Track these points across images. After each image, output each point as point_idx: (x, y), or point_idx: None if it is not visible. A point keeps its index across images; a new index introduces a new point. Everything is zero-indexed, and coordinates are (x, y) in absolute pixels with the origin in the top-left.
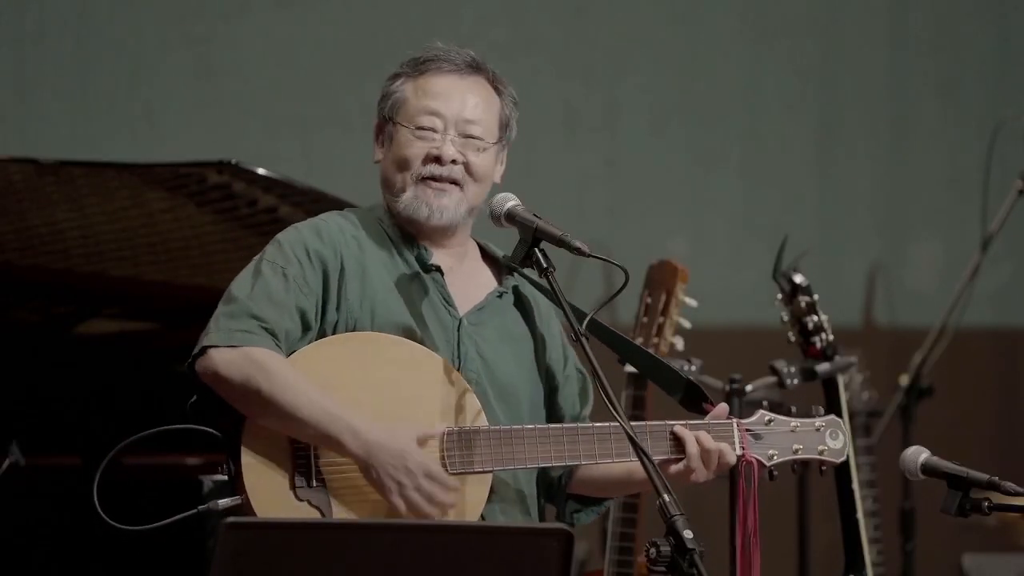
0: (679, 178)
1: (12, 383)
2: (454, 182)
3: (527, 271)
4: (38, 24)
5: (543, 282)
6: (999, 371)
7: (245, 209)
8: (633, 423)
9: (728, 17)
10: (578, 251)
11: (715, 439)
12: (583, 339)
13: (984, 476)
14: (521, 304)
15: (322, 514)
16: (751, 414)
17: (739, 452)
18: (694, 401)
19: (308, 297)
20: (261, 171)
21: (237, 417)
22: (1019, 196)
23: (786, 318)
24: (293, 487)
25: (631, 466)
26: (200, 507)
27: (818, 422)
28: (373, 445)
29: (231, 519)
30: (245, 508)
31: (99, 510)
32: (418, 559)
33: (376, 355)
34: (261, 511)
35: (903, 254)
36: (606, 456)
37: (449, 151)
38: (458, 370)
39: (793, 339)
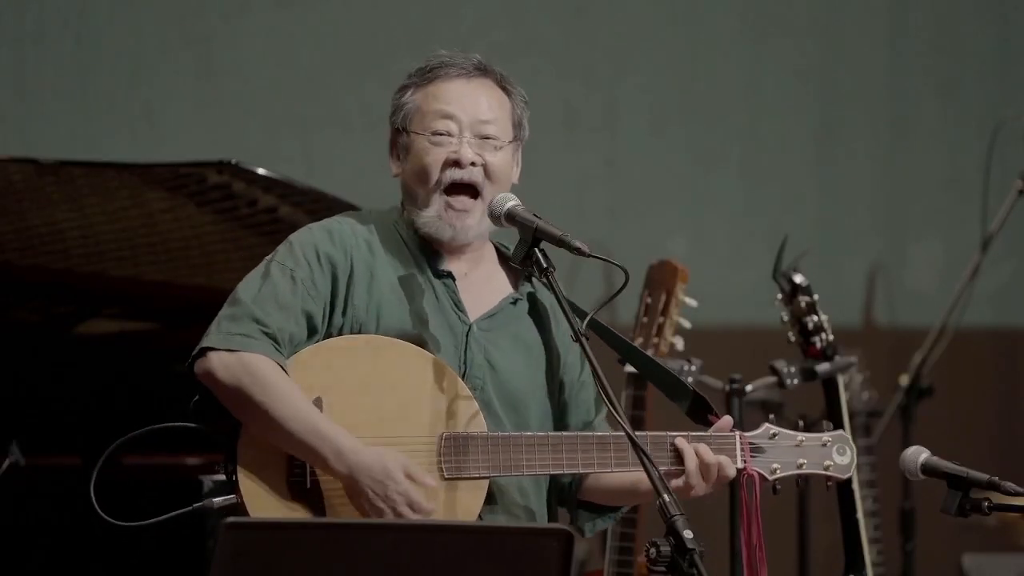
0: (679, 178)
1: (12, 383)
2: (474, 186)
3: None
4: (38, 24)
5: (543, 282)
6: (999, 371)
7: (245, 209)
8: (636, 433)
9: (728, 17)
10: (578, 251)
11: (717, 451)
12: (583, 339)
13: (984, 476)
14: (537, 311)
15: (315, 516)
16: (754, 417)
17: (740, 465)
18: (699, 412)
19: (315, 301)
20: (261, 171)
21: (235, 418)
22: (1019, 196)
23: (786, 318)
24: (288, 489)
25: (636, 477)
26: (195, 504)
27: (825, 437)
28: (356, 465)
29: (231, 519)
30: (240, 508)
31: (95, 504)
32: (418, 559)
33: (375, 359)
34: (255, 512)
35: (903, 254)
36: (605, 465)
37: (467, 154)
38: (464, 376)
39: (793, 339)
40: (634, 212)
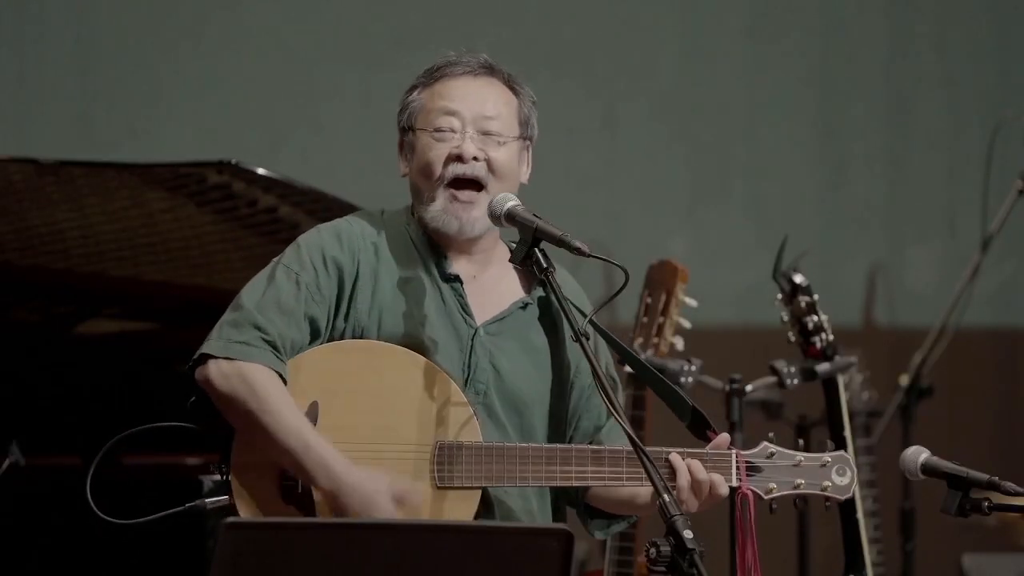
0: (679, 178)
1: (12, 383)
2: (477, 180)
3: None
4: (38, 24)
5: (543, 280)
6: (999, 371)
7: (245, 209)
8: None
9: (729, 17)
10: (578, 251)
11: (712, 469)
12: (582, 339)
13: (984, 476)
14: (549, 315)
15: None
16: (754, 417)
17: (735, 484)
18: (699, 427)
19: (319, 305)
20: (261, 171)
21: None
22: (1019, 196)
23: (786, 318)
24: (280, 492)
25: (632, 491)
26: (187, 504)
27: (825, 457)
28: (343, 485)
29: (231, 519)
30: (232, 509)
31: (90, 502)
32: (418, 559)
33: (373, 364)
34: (246, 513)
35: (903, 254)
36: (599, 479)
37: (469, 148)
38: (467, 381)
39: (793, 339)
40: (634, 212)
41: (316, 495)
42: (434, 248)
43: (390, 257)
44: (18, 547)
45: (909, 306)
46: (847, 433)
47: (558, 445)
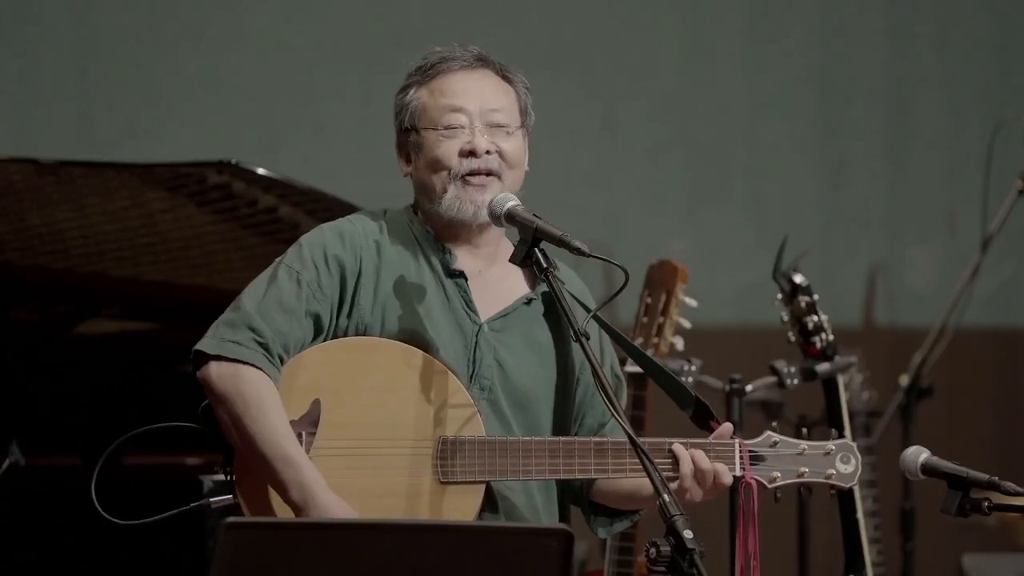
0: (679, 178)
1: (12, 383)
2: (492, 173)
3: (561, 276)
4: (38, 24)
5: (543, 280)
6: (999, 371)
7: (245, 209)
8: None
9: (729, 17)
10: (578, 251)
11: (715, 459)
12: (582, 339)
13: (984, 476)
14: (553, 311)
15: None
16: (754, 417)
17: (739, 473)
18: (702, 418)
19: (322, 303)
20: (261, 171)
21: None
22: (1019, 196)
23: (786, 318)
24: None
25: (637, 482)
26: (192, 504)
27: (829, 446)
28: (312, 503)
29: (231, 519)
30: (237, 508)
31: (95, 502)
32: (418, 559)
33: (375, 361)
34: (251, 512)
35: (903, 254)
36: (602, 471)
37: (482, 143)
38: (472, 376)
39: (793, 339)
40: (634, 212)
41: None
42: (438, 244)
43: (393, 254)
44: (18, 547)
45: (909, 306)
46: (847, 433)
47: (561, 438)
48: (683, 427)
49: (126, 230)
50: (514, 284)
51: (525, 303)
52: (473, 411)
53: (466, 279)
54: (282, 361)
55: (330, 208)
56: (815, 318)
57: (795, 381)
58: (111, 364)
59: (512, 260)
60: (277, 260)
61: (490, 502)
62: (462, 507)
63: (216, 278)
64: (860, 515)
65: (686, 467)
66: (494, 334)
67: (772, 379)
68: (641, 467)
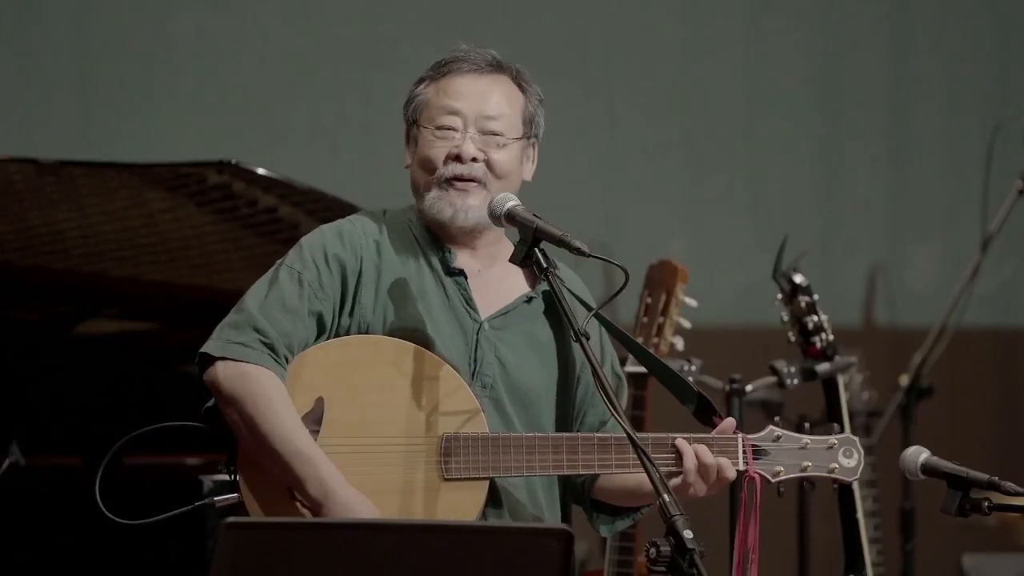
0: (679, 178)
1: (12, 383)
2: (476, 181)
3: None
4: (38, 24)
5: (543, 280)
6: (999, 371)
7: (245, 209)
8: (638, 435)
9: (729, 17)
10: (578, 251)
11: (718, 453)
12: (582, 339)
13: (984, 476)
14: (554, 309)
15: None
16: (754, 417)
17: (742, 468)
18: (705, 413)
19: (324, 302)
20: (261, 171)
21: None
22: (1019, 196)
23: (786, 318)
24: (287, 490)
25: (640, 478)
26: (197, 503)
27: (832, 440)
28: (332, 497)
29: (231, 519)
30: (241, 507)
31: (99, 501)
32: (418, 559)
33: (378, 359)
34: (255, 512)
35: (903, 254)
36: (606, 466)
37: (469, 149)
38: (474, 375)
39: (793, 339)
40: (634, 212)
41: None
42: (437, 243)
43: (393, 253)
44: (18, 547)
45: (909, 306)
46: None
47: (564, 434)
48: (683, 427)
49: (126, 230)
50: (514, 283)
51: (526, 301)
52: (476, 408)
53: (466, 277)
54: (287, 361)
55: (330, 208)
56: (815, 318)
57: (795, 381)
58: (111, 364)
59: (512, 260)
60: (278, 262)
61: (494, 499)
62: (466, 504)
63: (216, 278)
64: (860, 515)
65: (690, 462)
66: (495, 332)
67: (772, 379)
68: (646, 472)
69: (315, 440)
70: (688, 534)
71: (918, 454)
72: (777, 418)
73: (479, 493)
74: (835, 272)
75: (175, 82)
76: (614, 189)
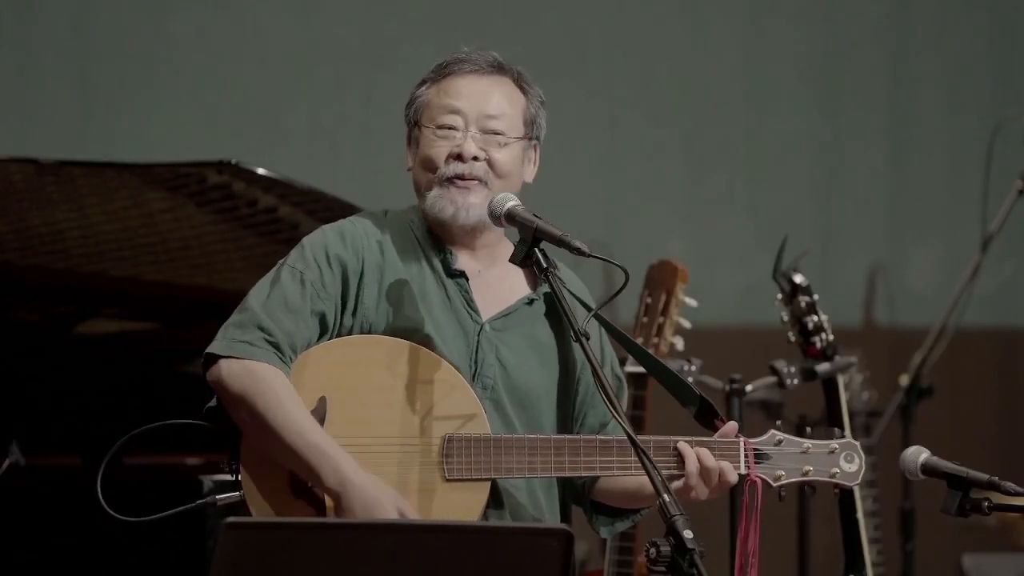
0: (679, 178)
1: (12, 383)
2: (478, 179)
3: (563, 276)
4: (38, 24)
5: (543, 280)
6: (999, 371)
7: (245, 209)
8: (639, 436)
9: (729, 16)
10: (578, 251)
11: (720, 457)
12: (582, 339)
13: (984, 476)
14: (554, 310)
15: (316, 516)
16: (754, 417)
17: (744, 471)
18: (706, 416)
19: (326, 302)
20: (261, 171)
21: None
22: (1019, 196)
23: (786, 318)
24: (291, 488)
25: (641, 480)
26: (198, 500)
27: (833, 444)
28: (351, 485)
29: (231, 519)
30: (242, 506)
31: (100, 499)
32: (418, 559)
33: (381, 359)
34: (256, 511)
35: (903, 254)
36: (608, 469)
37: (470, 148)
38: (474, 376)
39: (793, 339)
40: (634, 212)
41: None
42: (438, 244)
43: (395, 254)
44: (18, 547)
45: (909, 306)
46: (847, 433)
47: (566, 436)
48: (683, 427)
49: (126, 230)
50: (515, 284)
51: (527, 303)
52: (478, 409)
53: (467, 278)
54: (291, 360)
55: (330, 208)
56: (815, 318)
57: (795, 381)
58: (111, 364)
59: (512, 260)
60: (280, 262)
61: (495, 500)
62: (467, 505)
63: (216, 278)
64: (860, 515)
65: (692, 465)
66: (495, 333)
67: (772, 379)
68: (646, 472)
69: None
70: (688, 534)
71: (918, 454)
72: (779, 422)
73: (481, 494)
74: (835, 272)
75: (175, 82)
76: (614, 189)
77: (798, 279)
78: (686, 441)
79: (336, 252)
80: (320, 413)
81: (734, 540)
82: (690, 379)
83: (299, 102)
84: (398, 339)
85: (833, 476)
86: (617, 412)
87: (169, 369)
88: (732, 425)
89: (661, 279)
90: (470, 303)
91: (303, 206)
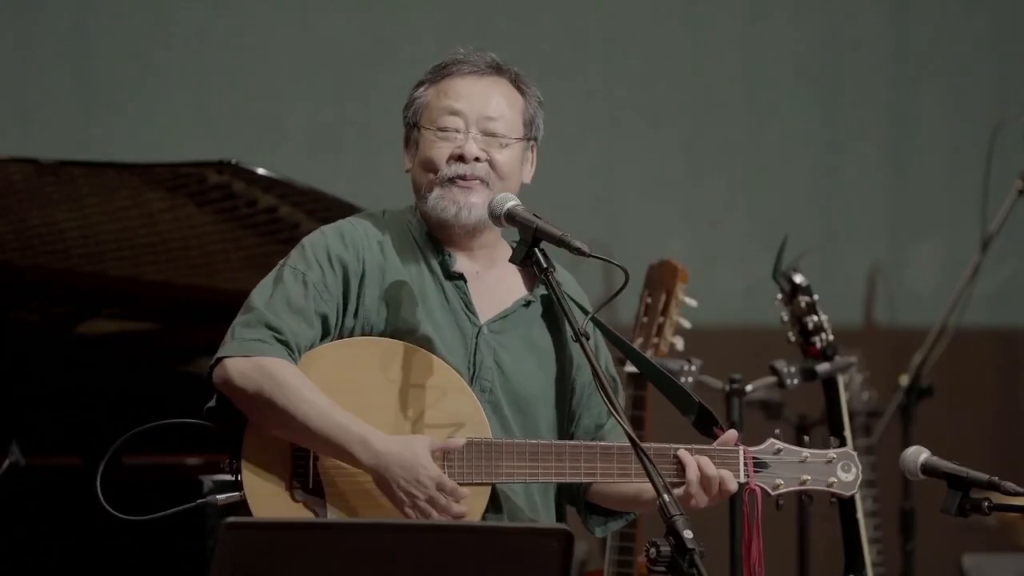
0: (679, 178)
1: (12, 383)
2: (479, 180)
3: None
4: (38, 23)
5: (542, 280)
6: (999, 371)
7: (245, 209)
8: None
9: (729, 17)
10: (578, 251)
11: (720, 465)
12: (582, 339)
13: (984, 476)
14: (551, 313)
15: (317, 516)
16: (754, 417)
17: (743, 480)
18: (705, 424)
19: (328, 303)
20: (261, 171)
21: (243, 418)
22: (1019, 196)
23: (786, 318)
24: (290, 489)
25: (639, 487)
26: (198, 500)
27: (831, 454)
28: (385, 456)
29: (231, 519)
30: (243, 506)
31: (100, 498)
32: (418, 559)
33: (382, 361)
34: (257, 511)
35: (903, 254)
36: (608, 475)
37: (472, 149)
38: (473, 378)
39: (793, 339)
40: (634, 212)
41: (327, 487)
42: (437, 246)
43: (395, 255)
44: (18, 547)
45: (909, 306)
46: (847, 433)
47: (567, 442)
48: (683, 428)
49: (126, 230)
50: (512, 286)
51: (524, 305)
52: (480, 413)
53: (465, 280)
54: (298, 361)
55: (330, 208)
56: (815, 318)
57: (795, 381)
58: (111, 364)
59: (512, 260)
60: (281, 262)
61: (493, 503)
62: (469, 507)
63: (216, 278)
64: (860, 515)
65: (693, 473)
66: (493, 336)
67: (772, 379)
68: (646, 473)
69: None
70: (688, 534)
71: (918, 454)
72: (777, 431)
73: (480, 498)
74: (835, 272)
75: (175, 82)
76: (614, 189)
77: (798, 279)
78: (686, 449)
79: (337, 253)
80: None
81: (734, 542)
82: (690, 379)
83: (299, 102)
84: (400, 342)
85: (831, 486)
86: (616, 411)
87: (169, 369)
88: (732, 434)
89: (661, 279)
90: (468, 305)
91: (303, 206)
